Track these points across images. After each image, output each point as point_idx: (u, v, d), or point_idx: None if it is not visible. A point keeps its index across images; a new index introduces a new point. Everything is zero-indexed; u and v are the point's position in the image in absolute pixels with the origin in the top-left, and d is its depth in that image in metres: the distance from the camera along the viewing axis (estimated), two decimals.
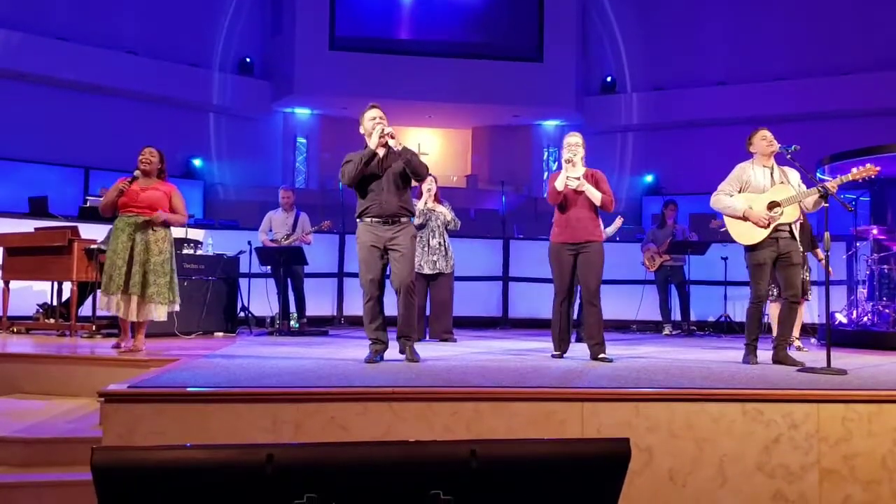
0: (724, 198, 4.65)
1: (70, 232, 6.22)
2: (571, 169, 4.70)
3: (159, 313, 4.82)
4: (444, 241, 6.42)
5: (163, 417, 2.88)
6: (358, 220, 4.50)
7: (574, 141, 4.81)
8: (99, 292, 4.90)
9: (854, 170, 4.37)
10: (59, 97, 11.30)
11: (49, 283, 6.75)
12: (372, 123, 4.38)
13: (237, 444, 1.26)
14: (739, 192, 4.64)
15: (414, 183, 4.59)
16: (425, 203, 6.25)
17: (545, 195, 4.81)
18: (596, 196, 4.68)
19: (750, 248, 4.59)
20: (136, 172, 4.88)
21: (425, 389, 3.15)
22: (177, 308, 5.04)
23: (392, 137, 4.32)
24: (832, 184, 4.28)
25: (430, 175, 5.82)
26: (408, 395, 3.08)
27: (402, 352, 4.54)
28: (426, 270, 6.27)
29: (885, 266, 7.16)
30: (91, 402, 3.81)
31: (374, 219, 4.40)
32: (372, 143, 4.32)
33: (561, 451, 1.14)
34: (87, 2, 11.67)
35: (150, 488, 1.05)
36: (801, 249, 6.04)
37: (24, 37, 10.80)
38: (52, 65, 11.02)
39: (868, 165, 4.35)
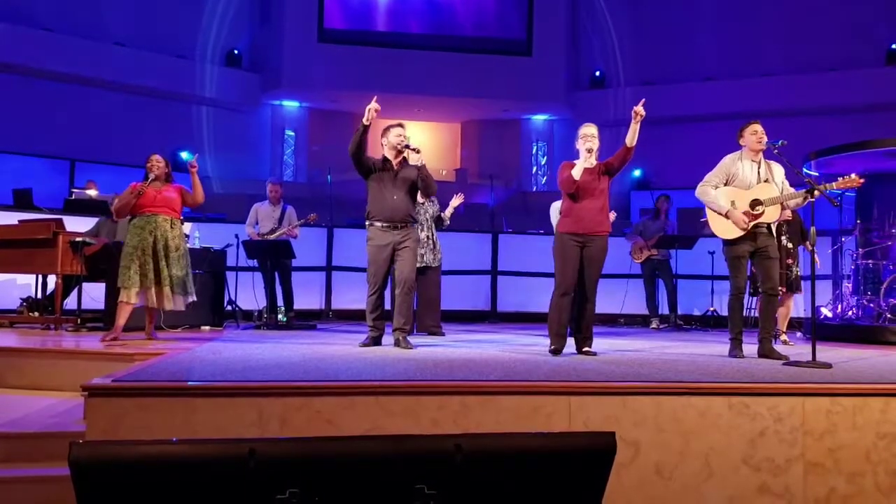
0: (710, 190, 4.68)
1: (55, 224, 6.15)
2: (589, 158, 4.64)
3: (178, 304, 5.26)
4: (433, 235, 6.43)
5: (147, 412, 2.86)
6: (367, 222, 4.98)
7: (592, 132, 4.70)
8: (122, 288, 5.09)
9: (840, 179, 4.43)
10: (45, 88, 11.19)
11: (33, 276, 6.68)
12: (398, 139, 4.97)
13: (219, 438, 1.25)
14: (725, 184, 4.67)
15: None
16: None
17: (559, 182, 4.69)
18: (634, 136, 4.59)
19: (728, 242, 4.64)
20: (151, 176, 5.29)
21: (412, 383, 3.14)
22: (192, 299, 5.41)
23: (417, 151, 4.92)
24: (818, 190, 4.31)
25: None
26: (395, 388, 3.07)
27: (396, 344, 4.85)
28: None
29: (870, 261, 7.22)
30: (75, 396, 3.78)
31: (383, 223, 4.91)
32: (365, 119, 4.75)
33: (547, 445, 1.13)
34: None
35: (129, 483, 1.03)
36: (791, 245, 6.12)
37: (9, 28, 10.67)
38: (37, 56, 10.91)
39: (853, 176, 4.41)
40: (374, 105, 4.75)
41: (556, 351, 4.56)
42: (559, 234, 4.71)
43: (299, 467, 1.06)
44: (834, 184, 4.43)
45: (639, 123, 4.55)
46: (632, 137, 4.60)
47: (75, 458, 1.03)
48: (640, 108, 4.51)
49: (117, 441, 1.15)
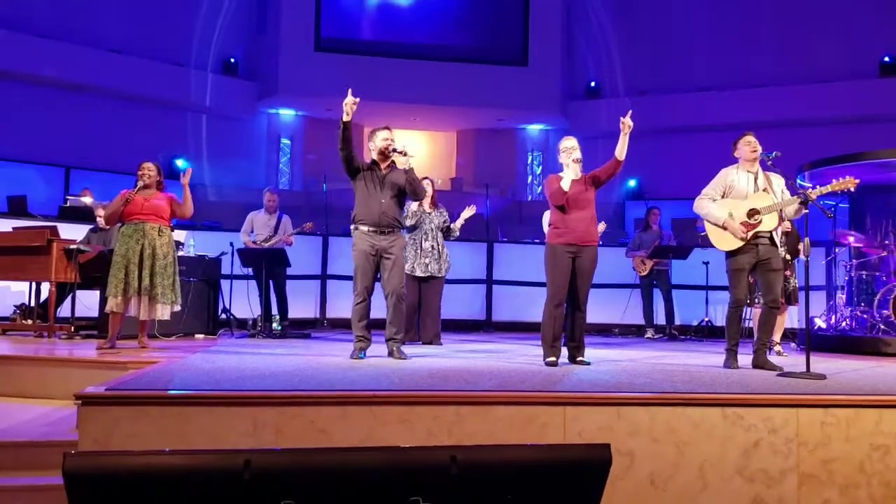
0: (707, 203, 4.69)
1: (49, 232, 6.14)
2: (577, 169, 4.71)
3: (165, 313, 5.25)
4: (438, 245, 6.39)
5: (141, 421, 2.84)
6: (353, 226, 4.86)
7: (574, 144, 4.80)
8: (109, 297, 5.11)
9: (834, 181, 4.44)
10: (41, 95, 11.17)
11: (27, 284, 6.66)
12: (385, 143, 4.87)
13: (214, 449, 1.25)
14: (723, 196, 4.69)
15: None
16: (419, 205, 6.26)
17: (549, 195, 4.72)
18: (624, 149, 4.68)
19: (730, 254, 4.65)
20: (140, 183, 5.27)
21: (407, 393, 3.14)
22: (178, 308, 5.40)
23: (404, 155, 4.80)
24: (813, 193, 4.34)
25: (427, 178, 6.28)
26: (389, 398, 3.06)
27: (390, 354, 4.80)
28: (418, 273, 6.25)
29: (864, 272, 7.25)
30: (68, 404, 3.76)
31: (369, 227, 4.79)
32: (344, 115, 4.64)
33: (542, 457, 1.14)
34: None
35: (123, 495, 1.03)
36: (788, 256, 6.15)
37: (5, 34, 10.66)
38: (33, 62, 10.90)
39: (848, 178, 4.40)
40: (350, 99, 4.59)
41: (553, 363, 4.55)
42: (551, 246, 4.71)
43: (294, 479, 1.06)
44: (829, 186, 4.43)
45: (627, 135, 4.63)
46: (621, 150, 4.69)
47: (69, 468, 1.02)
48: (627, 120, 4.59)
49: (112, 452, 1.15)
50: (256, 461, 1.05)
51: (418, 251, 6.27)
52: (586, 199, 4.70)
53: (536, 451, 1.15)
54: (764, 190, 4.64)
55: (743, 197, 4.64)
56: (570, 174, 4.70)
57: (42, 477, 2.93)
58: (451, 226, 6.52)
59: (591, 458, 1.14)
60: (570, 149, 4.78)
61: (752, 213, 4.57)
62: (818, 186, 4.48)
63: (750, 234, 4.56)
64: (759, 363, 4.58)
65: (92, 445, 2.77)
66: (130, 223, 5.20)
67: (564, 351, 4.85)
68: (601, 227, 6.98)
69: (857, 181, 4.39)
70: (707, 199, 4.70)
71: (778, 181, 4.70)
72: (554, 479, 1.12)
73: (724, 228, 4.60)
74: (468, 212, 6.56)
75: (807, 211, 4.38)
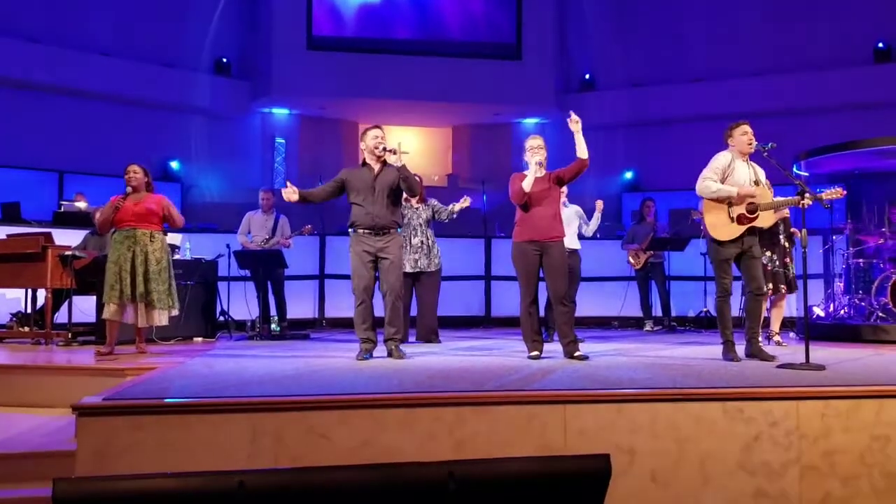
0: (711, 183, 4.65)
1: (43, 238, 6.12)
2: (539, 170, 4.77)
3: (162, 319, 5.20)
4: (428, 240, 6.37)
5: (139, 430, 2.83)
6: (350, 229, 4.86)
7: (538, 143, 4.85)
8: (105, 304, 5.09)
9: (826, 191, 4.54)
10: (32, 100, 11.10)
11: (23, 291, 6.63)
12: (375, 141, 4.84)
13: (207, 471, 1.23)
14: (722, 181, 4.67)
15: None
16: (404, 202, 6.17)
17: (511, 194, 4.83)
18: (583, 147, 4.69)
19: (716, 243, 4.63)
20: (128, 189, 5.19)
21: (407, 395, 3.12)
22: (175, 313, 5.36)
23: (394, 153, 4.74)
24: (807, 200, 4.36)
25: (416, 175, 6.07)
26: (389, 401, 3.05)
27: (389, 354, 4.80)
28: (407, 269, 6.22)
29: (861, 260, 7.25)
30: (67, 412, 3.74)
31: (365, 230, 4.78)
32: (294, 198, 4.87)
33: (540, 470, 1.12)
34: (60, 3, 11.47)
35: None
36: (787, 244, 6.15)
37: None
38: (23, 67, 10.83)
39: (837, 189, 4.55)
40: (391, 148, 4.76)
41: (536, 357, 4.68)
42: (516, 244, 4.82)
43: (289, 499, 1.04)
44: (821, 195, 4.50)
45: (580, 133, 4.65)
46: (581, 149, 4.71)
47: (60, 495, 1.01)
48: (574, 117, 4.62)
49: (103, 476, 1.14)
50: (250, 482, 1.03)
51: (407, 247, 6.23)
52: (549, 197, 4.77)
53: (535, 464, 1.14)
54: (756, 182, 4.64)
55: (740, 185, 4.63)
56: (532, 174, 4.75)
57: (40, 489, 2.91)
58: (448, 207, 6.41)
59: (591, 468, 1.13)
60: (531, 149, 4.82)
61: (752, 206, 4.56)
62: (810, 194, 4.49)
63: (746, 226, 4.56)
64: (753, 352, 4.60)
65: (90, 456, 2.76)
66: (122, 230, 5.13)
67: (558, 346, 4.86)
68: (598, 204, 6.81)
69: (845, 192, 4.58)
70: (709, 180, 4.66)
71: (761, 171, 4.74)
72: (553, 491, 1.10)
73: (741, 198, 4.55)
74: (463, 203, 6.47)
75: (804, 207, 4.39)
